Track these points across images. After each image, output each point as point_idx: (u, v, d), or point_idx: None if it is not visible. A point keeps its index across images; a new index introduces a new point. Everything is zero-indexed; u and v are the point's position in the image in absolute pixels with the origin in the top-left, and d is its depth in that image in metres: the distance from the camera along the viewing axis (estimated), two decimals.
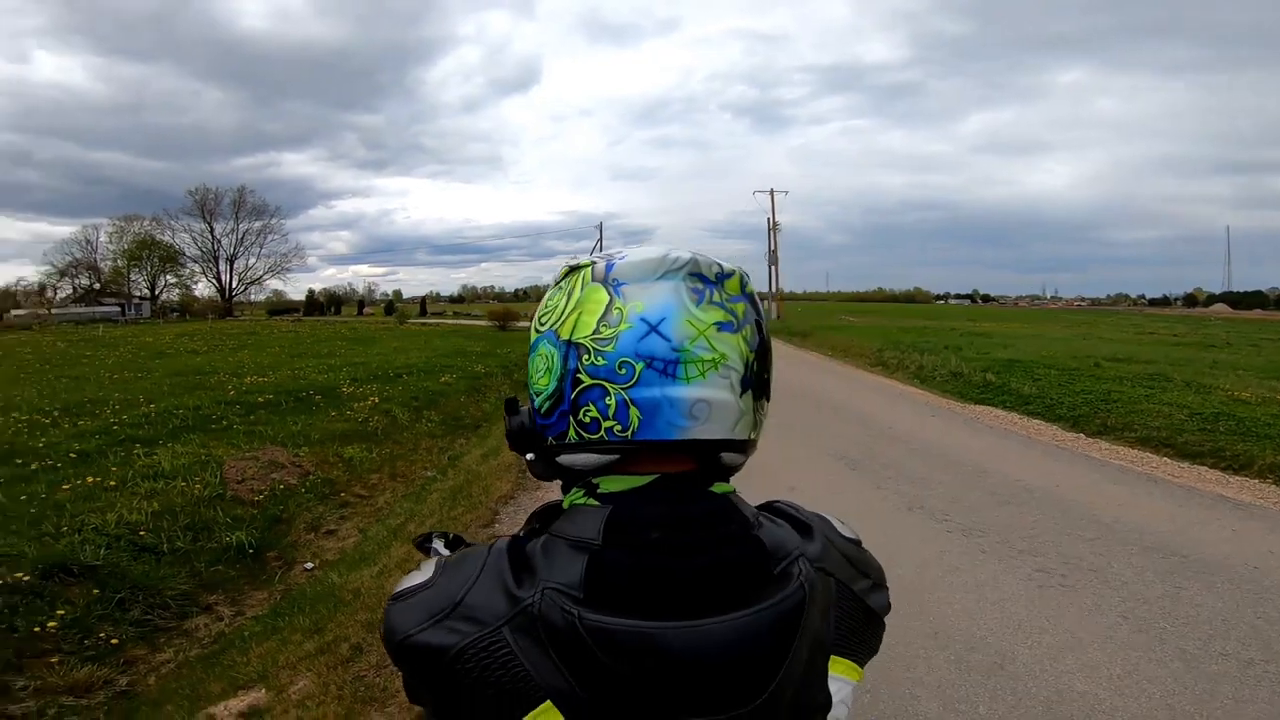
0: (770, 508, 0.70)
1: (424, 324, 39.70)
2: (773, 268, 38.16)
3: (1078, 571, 3.72)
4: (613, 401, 0.60)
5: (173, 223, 57.78)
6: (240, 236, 59.92)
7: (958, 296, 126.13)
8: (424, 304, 73.07)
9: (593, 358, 0.61)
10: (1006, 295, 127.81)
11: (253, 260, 60.89)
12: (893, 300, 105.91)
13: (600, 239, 65.53)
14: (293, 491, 5.98)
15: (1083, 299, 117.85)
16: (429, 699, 0.59)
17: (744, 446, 0.66)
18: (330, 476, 6.56)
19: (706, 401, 0.60)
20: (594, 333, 0.61)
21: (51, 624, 3.55)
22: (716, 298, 0.63)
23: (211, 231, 58.91)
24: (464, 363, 15.47)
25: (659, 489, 0.62)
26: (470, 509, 4.95)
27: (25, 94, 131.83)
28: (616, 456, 0.62)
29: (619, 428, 0.60)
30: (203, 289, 60.99)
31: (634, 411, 0.60)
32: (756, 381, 0.65)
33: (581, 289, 0.64)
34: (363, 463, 7.19)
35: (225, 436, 7.66)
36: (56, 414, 8.65)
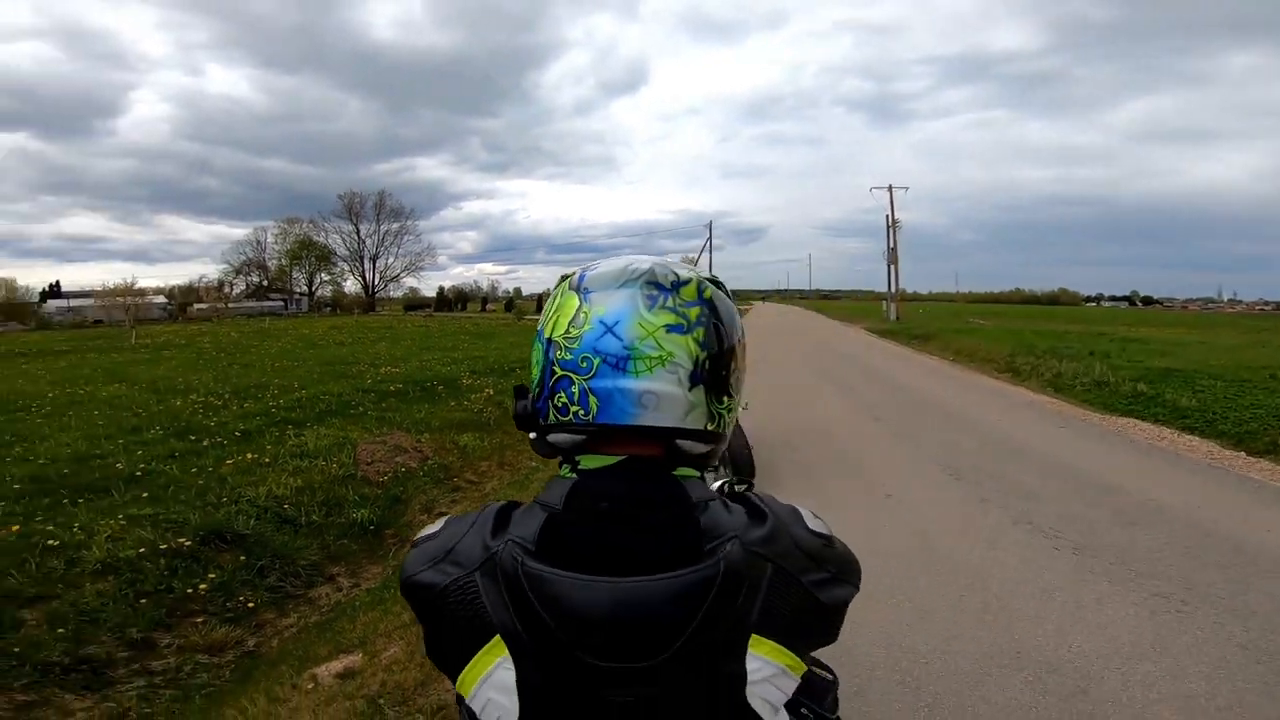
0: (738, 496, 0.77)
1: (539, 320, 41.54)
2: (891, 266, 36.30)
3: (1201, 599, 3.37)
4: (577, 390, 0.71)
5: (326, 225, 64.19)
6: (381, 237, 65.60)
7: (1112, 298, 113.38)
8: (540, 301, 76.25)
9: (563, 352, 0.72)
10: (1173, 298, 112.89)
11: (391, 259, 66.44)
12: (1033, 302, 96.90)
13: (709, 238, 65.28)
14: (412, 474, 6.57)
15: (1265, 303, 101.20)
16: (425, 628, 0.73)
17: (702, 436, 0.73)
18: (446, 462, 7.13)
19: (654, 393, 0.70)
20: (565, 332, 0.72)
21: (203, 586, 4.03)
22: (670, 303, 0.72)
23: (358, 232, 64.91)
24: None
25: (623, 468, 0.72)
26: None
27: (201, 105, 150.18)
28: (584, 437, 0.72)
29: (582, 412, 0.71)
30: (351, 285, 67.22)
31: (593, 399, 0.70)
32: (710, 378, 0.73)
33: (561, 295, 0.76)
34: (475, 450, 7.73)
35: (360, 421, 8.50)
36: (227, 396, 9.96)
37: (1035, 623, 3.17)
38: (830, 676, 1.15)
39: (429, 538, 0.75)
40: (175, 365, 14.77)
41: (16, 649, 3.26)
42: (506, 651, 0.66)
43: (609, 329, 0.70)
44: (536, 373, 0.76)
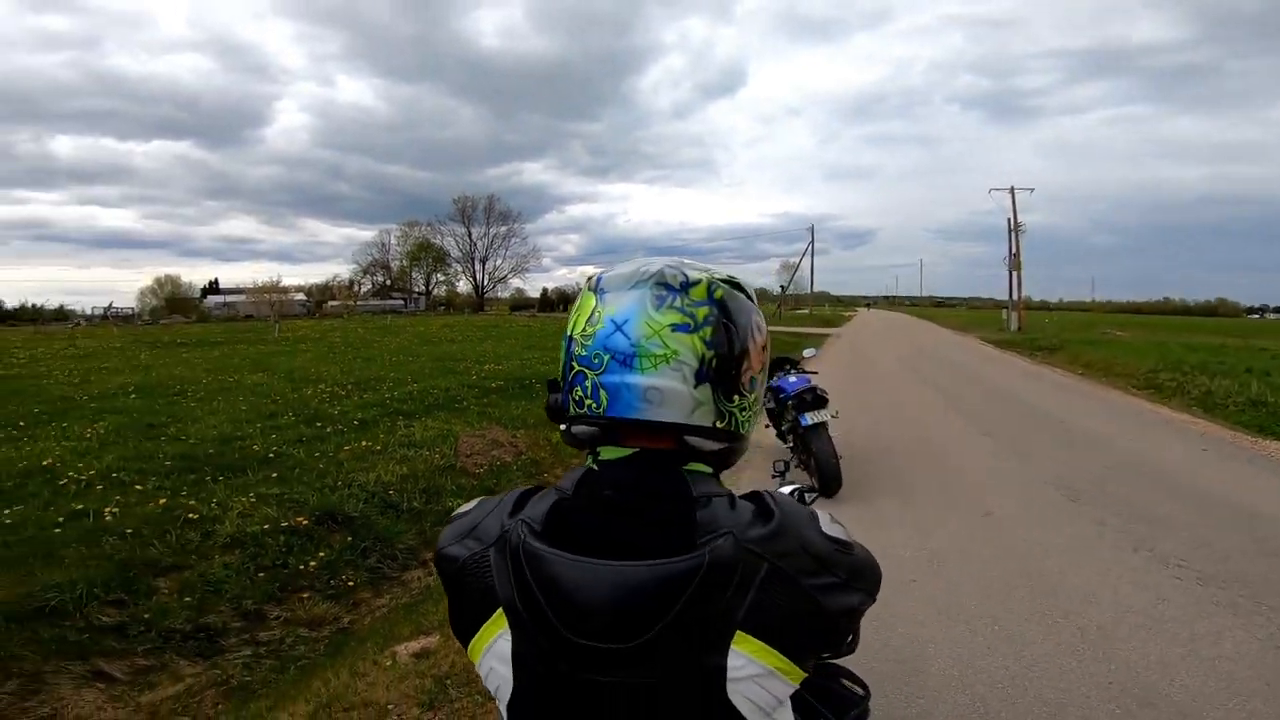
0: (752, 495, 0.77)
1: None
2: (1013, 273, 33.73)
3: None
4: (590, 385, 0.76)
5: (441, 228, 68.22)
6: (490, 240, 68.89)
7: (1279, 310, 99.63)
8: None
9: (579, 349, 0.77)
10: None
11: (499, 261, 69.57)
12: (1185, 313, 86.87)
13: (812, 241, 63.47)
14: (506, 468, 6.88)
15: None
16: (449, 598, 0.80)
17: (711, 433, 0.76)
18: (537, 457, 7.41)
19: (658, 389, 0.73)
20: (582, 330, 0.78)
21: (312, 564, 4.36)
22: (677, 303, 0.75)
23: (469, 235, 68.45)
24: None
25: (635, 460, 0.76)
26: None
27: (334, 114, 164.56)
28: (597, 429, 0.77)
29: (595, 405, 0.75)
30: (463, 286, 71.12)
31: (604, 394, 0.75)
32: (718, 376, 0.75)
33: (583, 295, 0.82)
34: (565, 447, 7.96)
35: (463, 415, 8.99)
36: (350, 387, 10.83)
37: (1137, 654, 2.89)
38: (860, 691, 1.11)
39: (461, 515, 0.82)
40: (309, 357, 16.19)
41: (146, 615, 3.65)
42: (507, 624, 0.72)
43: (619, 327, 0.75)
44: (561, 368, 0.82)
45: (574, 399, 0.78)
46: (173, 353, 17.36)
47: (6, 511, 4.57)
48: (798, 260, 66.54)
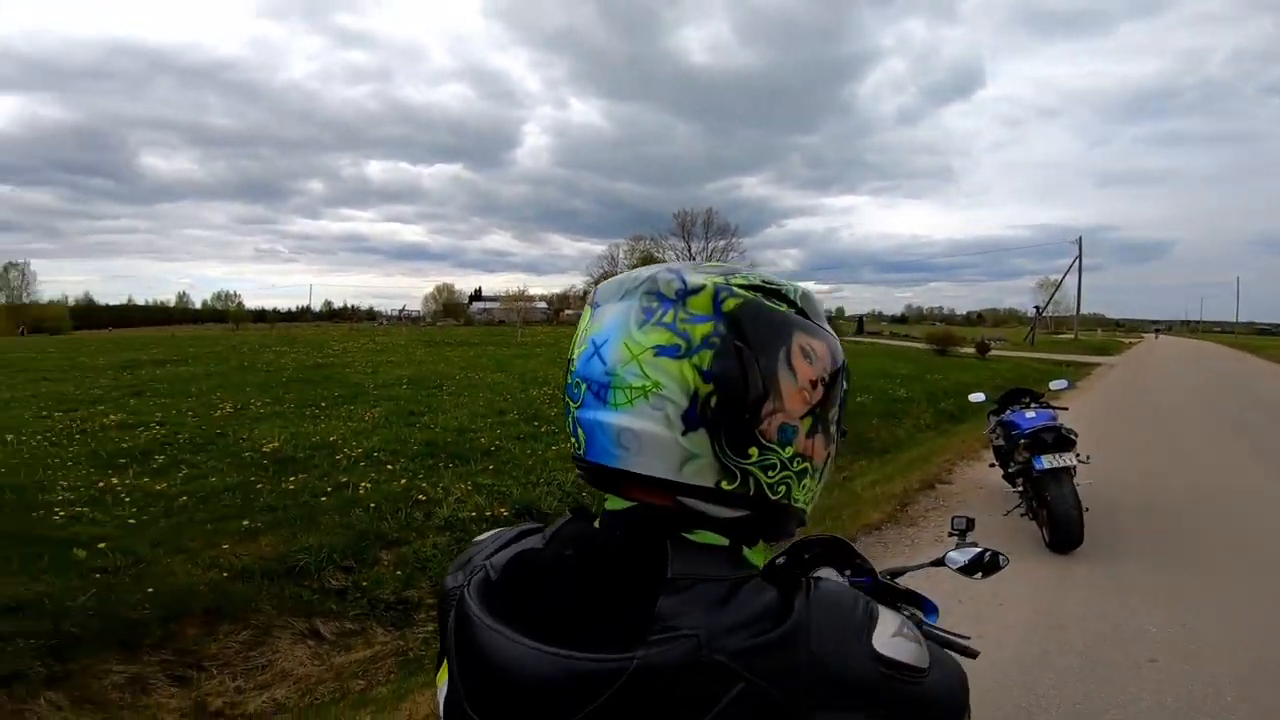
0: (785, 579, 0.56)
1: (856, 342, 39.89)
2: None
3: None
4: (570, 420, 0.62)
5: (664, 242, 71.13)
6: (709, 254, 70.13)
7: None
8: (861, 322, 73.17)
9: (566, 376, 0.63)
10: None
11: None
12: None
13: (1079, 256, 54.56)
14: None
15: None
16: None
17: (716, 497, 0.57)
18: None
19: (633, 432, 0.56)
20: (570, 352, 0.64)
21: None
22: (667, 318, 0.57)
23: (689, 249, 70.54)
24: (884, 385, 15.00)
25: (630, 515, 0.60)
26: (833, 529, 4.90)
27: (569, 134, 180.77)
28: (582, 473, 0.63)
29: (577, 446, 0.61)
30: None
31: (581, 433, 0.60)
32: (720, 420, 0.55)
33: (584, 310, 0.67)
34: None
35: None
36: None
37: None
38: None
39: (474, 542, 0.72)
40: (541, 360, 17.87)
41: (365, 583, 4.22)
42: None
43: (597, 350, 0.59)
44: None
45: (569, 434, 0.64)
46: (440, 351, 20.31)
47: (291, 479, 5.70)
48: (1060, 278, 57.71)
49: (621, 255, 73.93)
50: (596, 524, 0.64)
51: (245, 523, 4.69)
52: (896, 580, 1.58)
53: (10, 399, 9.37)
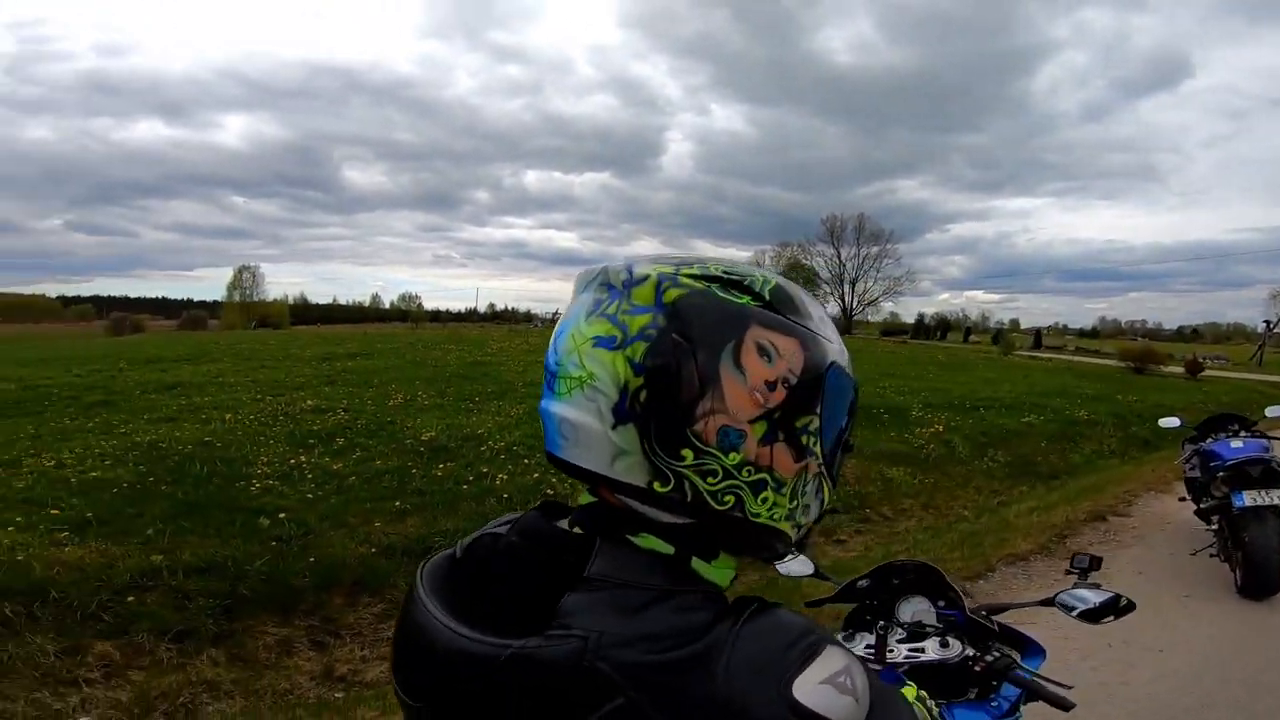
0: (735, 602, 0.54)
1: (1033, 357, 35.83)
2: None
3: None
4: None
5: (811, 249, 68.75)
6: (860, 261, 66.76)
7: None
8: (1039, 335, 65.51)
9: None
10: None
11: (870, 283, 66.87)
12: None
13: None
14: None
15: None
16: None
17: (648, 498, 0.55)
18: (864, 491, 6.92)
19: (571, 423, 0.56)
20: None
21: None
22: (610, 309, 0.56)
23: (838, 256, 67.53)
24: (1062, 404, 13.40)
25: (585, 511, 0.60)
26: (971, 556, 4.47)
27: (711, 141, 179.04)
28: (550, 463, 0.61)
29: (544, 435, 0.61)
30: (831, 308, 70.51)
31: (542, 421, 0.60)
32: (648, 416, 0.53)
33: None
34: (902, 485, 7.27)
35: None
36: None
37: None
38: None
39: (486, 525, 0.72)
40: None
41: None
42: None
43: (555, 339, 0.60)
44: None
45: None
46: None
47: (441, 466, 6.26)
48: None
49: (767, 262, 72.42)
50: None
51: (397, 503, 5.23)
52: (995, 618, 1.43)
53: (235, 383, 11.17)
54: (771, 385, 0.55)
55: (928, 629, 1.40)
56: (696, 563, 0.58)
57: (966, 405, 12.52)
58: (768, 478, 0.56)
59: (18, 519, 4.48)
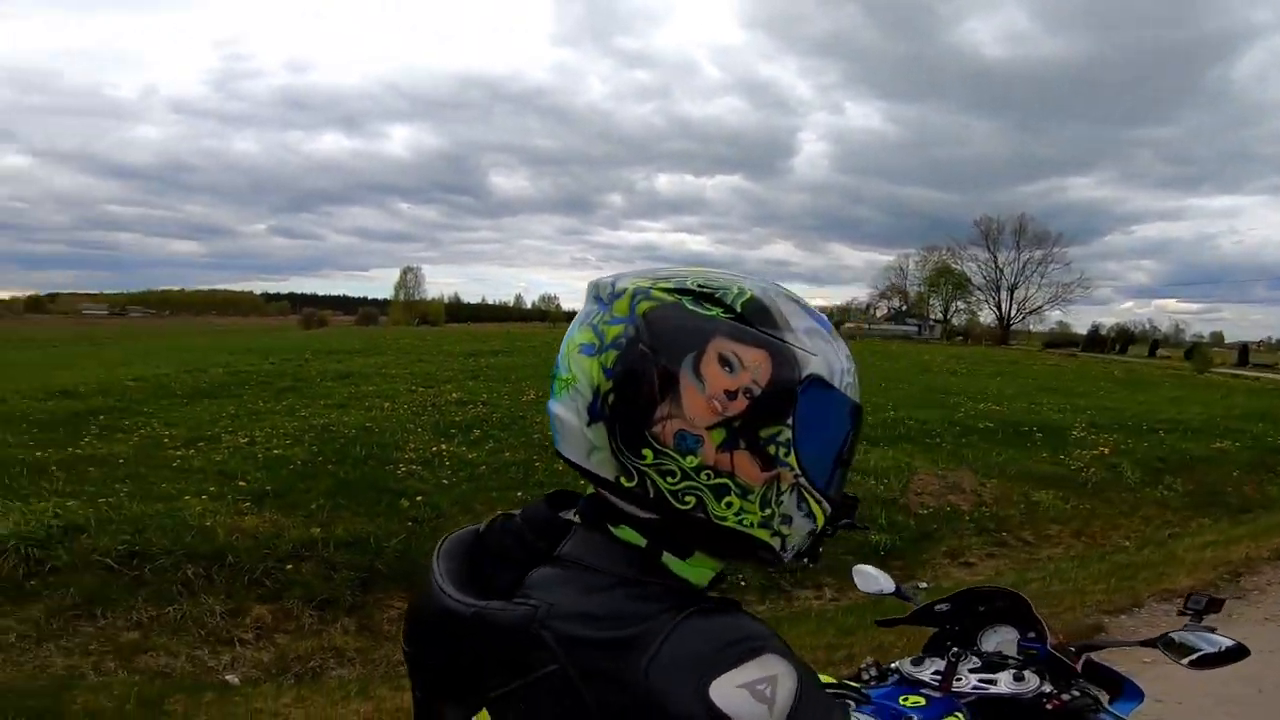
0: (705, 604, 0.57)
1: (1235, 375, 30.51)
2: None
3: None
4: None
5: (962, 252, 62.34)
6: (1021, 265, 60.00)
7: None
8: (1245, 351, 55.37)
9: None
10: None
11: (1033, 290, 60.16)
12: None
13: None
14: (957, 515, 6.15)
15: None
16: None
17: (617, 491, 0.60)
18: (1003, 513, 6.36)
19: (560, 420, 0.63)
20: None
21: None
22: (595, 319, 0.62)
23: (995, 260, 60.96)
24: (1265, 429, 11.42)
25: (586, 501, 0.66)
26: (1117, 589, 3.96)
27: (848, 140, 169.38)
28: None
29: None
30: (985, 315, 64.31)
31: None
32: (615, 416, 0.58)
33: None
34: (1049, 510, 6.60)
35: (931, 452, 8.38)
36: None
37: None
38: None
39: None
40: None
41: None
42: None
43: (561, 346, 0.67)
44: None
45: None
46: None
47: (560, 462, 6.58)
48: None
49: (912, 266, 67.54)
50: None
51: (520, 494, 5.58)
52: (1091, 655, 1.32)
53: (396, 374, 12.41)
54: (732, 394, 0.58)
55: (1008, 660, 1.32)
56: (669, 559, 0.62)
57: (1143, 427, 11.04)
58: (729, 483, 0.58)
59: (211, 489, 5.30)
